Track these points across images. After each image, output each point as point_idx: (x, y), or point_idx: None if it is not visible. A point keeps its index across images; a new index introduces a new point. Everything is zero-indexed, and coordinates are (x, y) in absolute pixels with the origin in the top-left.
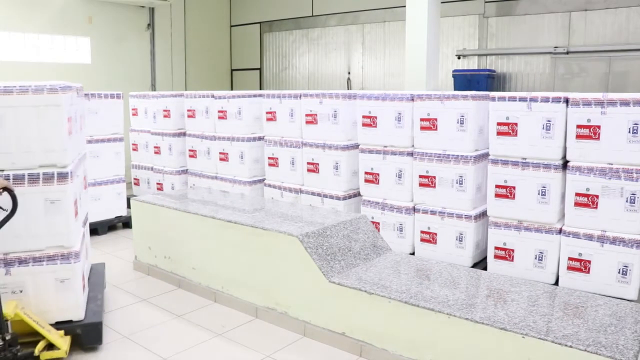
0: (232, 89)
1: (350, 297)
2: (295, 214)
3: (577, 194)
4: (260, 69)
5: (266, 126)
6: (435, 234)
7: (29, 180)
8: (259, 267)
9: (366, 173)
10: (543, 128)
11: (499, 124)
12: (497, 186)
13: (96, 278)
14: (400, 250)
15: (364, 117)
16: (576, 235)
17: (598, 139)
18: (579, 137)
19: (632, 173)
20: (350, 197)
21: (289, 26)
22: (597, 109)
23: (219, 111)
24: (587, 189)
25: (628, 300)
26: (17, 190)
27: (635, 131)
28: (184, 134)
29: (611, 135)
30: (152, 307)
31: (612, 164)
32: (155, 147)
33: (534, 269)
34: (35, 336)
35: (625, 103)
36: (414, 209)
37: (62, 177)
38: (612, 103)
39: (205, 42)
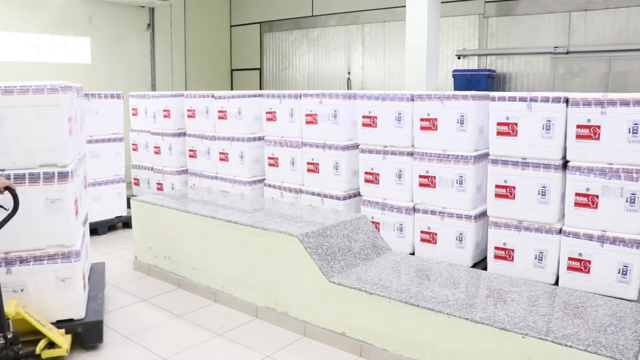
0: (232, 89)
1: (350, 297)
2: (295, 214)
3: (577, 194)
4: (260, 69)
5: (266, 126)
6: (435, 234)
7: (29, 179)
8: (259, 267)
9: (366, 173)
10: (543, 128)
11: (499, 124)
12: (497, 186)
13: (96, 277)
14: (400, 250)
15: (364, 117)
16: (576, 235)
17: (598, 139)
18: (579, 137)
19: (632, 173)
20: (350, 197)
21: (289, 26)
22: (597, 109)
23: (219, 111)
24: (587, 189)
25: (628, 300)
26: (18, 190)
27: (635, 131)
28: (184, 134)
29: (611, 135)
30: (152, 307)
31: (612, 164)
32: (155, 147)
33: (534, 269)
34: (36, 335)
35: (625, 103)
36: (414, 209)
37: (63, 176)
38: (612, 103)
39: (205, 42)
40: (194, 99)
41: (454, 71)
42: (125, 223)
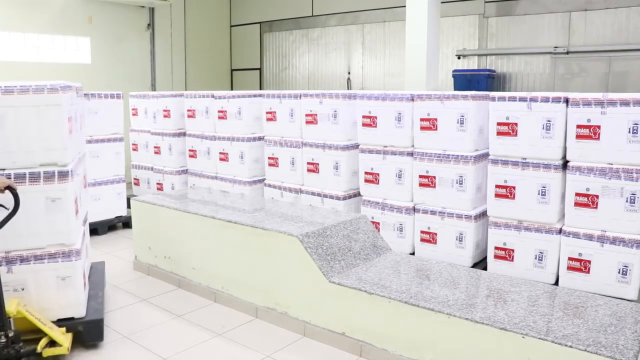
0: (232, 89)
1: (350, 297)
2: (295, 214)
3: (577, 194)
4: (260, 69)
5: (266, 126)
6: (435, 234)
7: (30, 179)
8: (259, 267)
9: (366, 173)
10: (543, 128)
11: (499, 124)
12: (497, 186)
13: (96, 276)
14: (400, 250)
15: (364, 117)
16: (576, 235)
17: (598, 139)
18: (579, 137)
19: (632, 173)
20: (350, 197)
21: (289, 26)
22: (597, 109)
23: (219, 111)
24: (587, 189)
25: (628, 300)
26: (19, 189)
27: (635, 131)
28: (184, 134)
29: (611, 135)
30: (152, 307)
31: (612, 164)
32: (155, 147)
33: (534, 269)
34: (37, 333)
35: (625, 103)
36: (414, 209)
37: (63, 175)
38: (612, 103)
39: (205, 42)
40: (194, 99)
41: (454, 71)
42: (125, 223)
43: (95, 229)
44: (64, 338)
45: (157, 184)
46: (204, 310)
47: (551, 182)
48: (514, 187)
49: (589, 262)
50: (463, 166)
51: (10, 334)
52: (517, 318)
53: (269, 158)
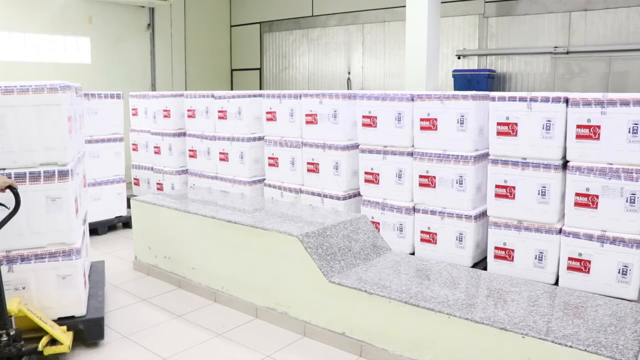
0: (232, 89)
1: (350, 297)
2: (295, 214)
3: (577, 194)
4: (260, 69)
5: (266, 126)
6: (435, 234)
7: (30, 178)
8: (259, 267)
9: (366, 173)
10: (543, 128)
11: (499, 124)
12: (497, 186)
13: (96, 276)
14: (400, 250)
15: (364, 117)
16: (576, 235)
17: (598, 139)
18: (579, 137)
19: (632, 173)
20: (350, 197)
21: (289, 26)
22: (597, 109)
23: (219, 111)
24: (587, 189)
25: (628, 300)
26: (19, 188)
27: (635, 131)
28: (184, 134)
29: (611, 135)
30: (152, 307)
31: (612, 164)
32: (155, 147)
33: (534, 269)
34: (38, 332)
35: (625, 103)
36: (414, 209)
37: (63, 174)
38: (612, 103)
39: (205, 42)
40: (194, 99)
41: (454, 71)
42: (125, 223)
43: (95, 229)
44: (65, 336)
45: (157, 184)
46: (204, 310)
47: (551, 182)
48: (514, 187)
49: (589, 262)
50: (463, 166)
51: (12, 333)
52: (517, 318)
53: (269, 158)
